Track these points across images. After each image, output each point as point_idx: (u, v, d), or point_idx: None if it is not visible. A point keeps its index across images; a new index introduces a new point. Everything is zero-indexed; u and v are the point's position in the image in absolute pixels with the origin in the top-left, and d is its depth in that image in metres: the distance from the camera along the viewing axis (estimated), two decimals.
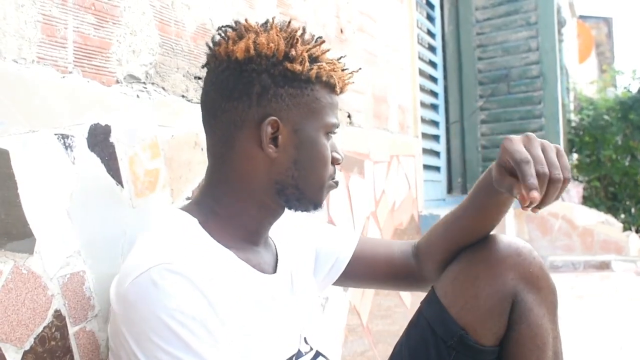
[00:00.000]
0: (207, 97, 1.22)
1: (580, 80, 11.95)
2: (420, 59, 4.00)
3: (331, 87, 1.22)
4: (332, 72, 1.21)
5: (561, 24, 8.16)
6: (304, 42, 1.21)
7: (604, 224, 6.45)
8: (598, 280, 5.29)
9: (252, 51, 1.17)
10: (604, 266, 5.70)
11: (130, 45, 1.39)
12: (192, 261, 1.07)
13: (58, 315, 1.15)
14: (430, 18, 4.47)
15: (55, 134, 1.18)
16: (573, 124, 9.79)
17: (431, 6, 4.49)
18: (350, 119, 2.58)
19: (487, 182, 1.31)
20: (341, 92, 1.26)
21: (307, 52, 1.19)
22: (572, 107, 10.20)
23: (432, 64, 4.45)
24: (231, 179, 1.22)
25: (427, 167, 3.95)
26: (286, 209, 1.27)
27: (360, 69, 1.37)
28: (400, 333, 1.50)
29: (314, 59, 1.20)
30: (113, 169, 1.31)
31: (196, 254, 1.10)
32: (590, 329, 3.73)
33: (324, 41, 1.24)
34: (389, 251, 1.52)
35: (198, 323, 1.02)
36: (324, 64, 1.21)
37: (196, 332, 1.02)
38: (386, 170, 2.96)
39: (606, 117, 9.54)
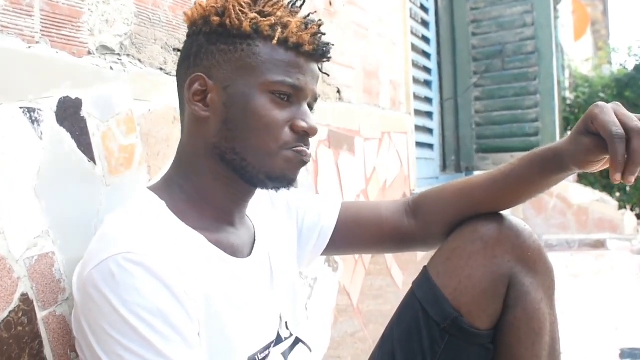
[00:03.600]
0: None
1: (576, 57, 11.88)
2: (413, 34, 3.92)
3: (279, 42, 1.11)
4: (276, 25, 1.11)
5: (557, 0, 8.07)
6: (259, 3, 1.14)
7: (599, 202, 6.42)
8: (593, 259, 5.27)
9: (195, 15, 1.15)
10: (599, 245, 5.67)
11: (103, 15, 1.32)
12: (156, 250, 1.00)
13: (25, 299, 1.09)
14: None
15: (21, 108, 1.11)
16: (568, 102, 9.74)
17: None
18: (339, 94, 2.51)
19: (549, 157, 1.26)
20: (299, 47, 1.12)
21: (245, 6, 1.12)
22: (567, 84, 10.14)
23: (425, 40, 4.37)
24: (186, 148, 1.17)
25: (420, 144, 3.89)
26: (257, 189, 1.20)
27: (320, 20, 1.21)
28: (392, 313, 1.44)
29: (264, 14, 1.12)
30: (84, 145, 1.24)
31: (161, 241, 1.03)
32: (586, 308, 3.69)
33: None
34: (375, 213, 1.44)
35: (160, 318, 0.96)
36: (258, 17, 1.11)
37: (157, 328, 0.96)
38: (377, 147, 2.89)
39: (602, 94, 9.49)
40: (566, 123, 9.32)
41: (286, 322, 1.24)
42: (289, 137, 1.13)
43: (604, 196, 6.89)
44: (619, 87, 9.43)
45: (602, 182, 8.69)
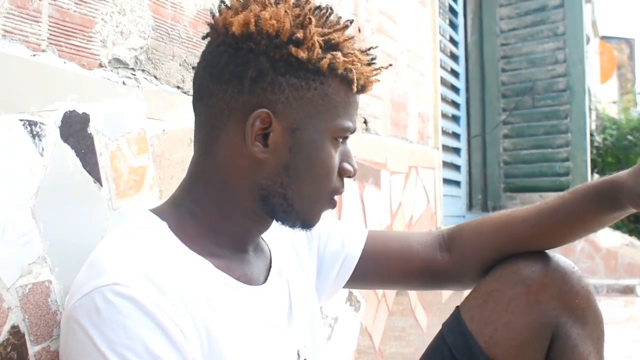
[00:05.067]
0: (197, 73, 1.04)
1: (603, 99, 11.78)
2: (442, 67, 3.83)
3: (349, 83, 1.00)
4: (350, 65, 0.99)
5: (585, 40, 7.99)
6: (323, 24, 1.00)
7: (629, 247, 6.23)
8: (622, 305, 5.09)
9: (252, 27, 0.96)
10: (628, 291, 5.49)
11: (118, 26, 1.23)
12: (149, 281, 0.88)
13: (16, 332, 0.98)
14: (453, 25, 4.30)
15: (21, 120, 1.01)
16: (595, 144, 9.60)
17: (454, 13, 4.32)
18: (366, 125, 2.41)
19: (605, 191, 1.14)
20: (362, 90, 1.03)
21: (321, 36, 0.97)
22: (594, 126, 10.01)
23: (454, 74, 4.28)
24: (212, 176, 1.02)
25: (446, 181, 3.78)
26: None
27: (390, 65, 1.16)
28: (414, 357, 1.31)
29: (330, 46, 0.99)
30: (90, 164, 1.14)
31: (157, 269, 0.91)
32: (618, 358, 3.52)
33: (348, 25, 1.03)
34: (405, 245, 1.30)
35: None
36: (339, 54, 0.98)
37: None
38: (404, 181, 2.78)
39: (630, 137, 9.35)
40: (593, 165, 9.16)
41: (305, 359, 1.11)
42: (338, 182, 1.05)
43: (634, 240, 6.70)
44: None
45: (629, 226, 8.51)
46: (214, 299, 0.96)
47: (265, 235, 1.13)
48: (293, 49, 0.96)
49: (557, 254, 1.23)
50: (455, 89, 4.27)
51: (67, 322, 0.89)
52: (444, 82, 3.83)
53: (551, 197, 1.22)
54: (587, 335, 1.17)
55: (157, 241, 0.96)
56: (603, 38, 14.71)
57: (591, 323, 1.18)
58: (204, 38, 1.07)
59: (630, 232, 8.24)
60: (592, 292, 1.21)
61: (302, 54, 0.96)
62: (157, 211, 1.02)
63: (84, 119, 1.13)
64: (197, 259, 0.97)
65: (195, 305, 0.92)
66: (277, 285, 1.10)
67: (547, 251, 1.23)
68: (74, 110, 1.11)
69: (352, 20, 1.04)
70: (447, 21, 4.18)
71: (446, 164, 3.82)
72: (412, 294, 2.76)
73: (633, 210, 1.12)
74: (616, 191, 1.11)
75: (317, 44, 0.96)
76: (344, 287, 1.32)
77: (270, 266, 1.12)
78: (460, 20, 4.45)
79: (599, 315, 1.20)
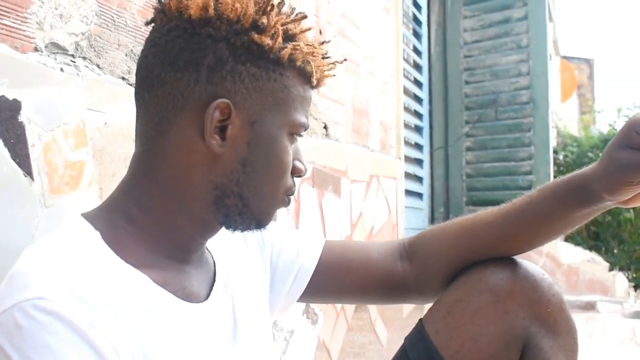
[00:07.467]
0: (145, 61, 0.93)
1: (563, 117, 11.90)
2: (406, 77, 3.77)
3: (306, 77, 0.94)
4: (309, 57, 0.93)
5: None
6: (279, 13, 0.93)
7: (590, 263, 6.23)
8: (583, 321, 5.05)
9: (211, 10, 0.89)
10: (589, 307, 5.46)
11: (57, 8, 1.14)
12: (77, 295, 0.78)
13: None
14: (417, 35, 4.25)
15: None
16: (556, 161, 9.66)
17: (419, 23, 4.27)
18: (326, 130, 2.32)
19: (575, 186, 1.05)
20: (317, 85, 0.97)
21: (282, 25, 0.91)
22: (555, 143, 10.09)
23: (418, 84, 4.23)
24: (159, 176, 0.92)
25: (409, 192, 3.71)
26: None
27: (345, 59, 1.11)
28: None
29: (288, 37, 0.92)
30: (20, 156, 1.04)
31: (85, 283, 0.80)
32: None
33: (305, 16, 0.96)
34: (364, 256, 1.21)
35: None
36: (300, 45, 0.92)
37: None
38: (365, 190, 2.70)
39: (590, 154, 9.41)
40: None
41: None
42: (291, 181, 0.98)
43: (595, 256, 6.71)
44: None
45: (589, 243, 8.53)
46: (151, 318, 0.86)
47: (210, 244, 1.03)
48: (256, 36, 0.89)
49: (526, 261, 1.15)
50: (418, 99, 4.21)
51: None
52: (407, 91, 3.77)
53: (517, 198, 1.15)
54: (560, 347, 1.09)
55: (87, 255, 0.85)
56: (564, 58, 14.87)
57: (564, 334, 1.10)
58: (147, 24, 0.97)
59: (591, 249, 8.27)
60: (564, 301, 1.12)
61: (267, 41, 0.89)
62: (91, 217, 0.91)
63: (15, 105, 1.03)
64: (132, 272, 0.87)
65: (131, 324, 0.82)
66: (220, 301, 1.00)
67: (515, 257, 1.15)
68: (3, 96, 1.02)
69: (305, 13, 0.97)
70: (411, 30, 4.12)
71: (408, 175, 3.76)
72: (372, 308, 2.68)
73: (608, 204, 1.03)
74: (587, 182, 1.03)
75: (280, 32, 0.90)
76: (299, 300, 1.22)
77: (214, 279, 1.02)
78: (424, 30, 4.41)
79: (572, 326, 1.12)
